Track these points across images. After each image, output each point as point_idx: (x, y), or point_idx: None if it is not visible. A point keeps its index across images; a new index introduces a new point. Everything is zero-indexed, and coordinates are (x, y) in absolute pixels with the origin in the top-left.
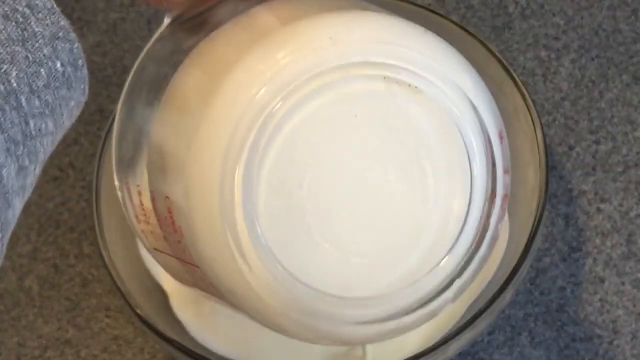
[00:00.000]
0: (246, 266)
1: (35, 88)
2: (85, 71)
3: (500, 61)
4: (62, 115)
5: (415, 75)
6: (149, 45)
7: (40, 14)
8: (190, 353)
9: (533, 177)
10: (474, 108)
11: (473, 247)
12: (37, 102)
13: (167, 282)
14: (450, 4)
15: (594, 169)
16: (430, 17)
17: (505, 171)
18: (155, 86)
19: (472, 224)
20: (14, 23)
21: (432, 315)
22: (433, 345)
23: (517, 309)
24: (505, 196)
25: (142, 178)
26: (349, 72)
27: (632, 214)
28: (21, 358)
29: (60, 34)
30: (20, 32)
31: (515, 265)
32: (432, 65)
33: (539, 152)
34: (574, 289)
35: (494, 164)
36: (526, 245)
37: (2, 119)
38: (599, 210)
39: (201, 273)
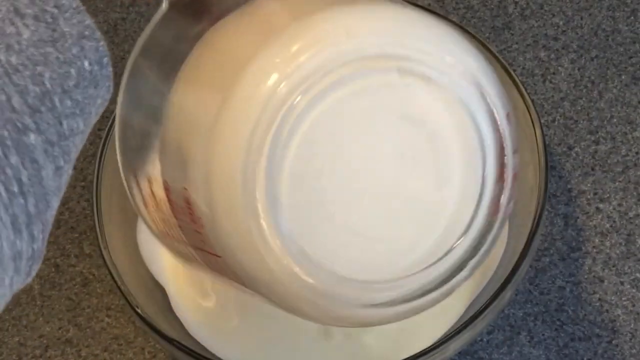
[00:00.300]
0: (270, 255)
1: (67, 88)
2: (110, 69)
3: (499, 61)
4: (91, 113)
5: (428, 65)
6: (149, 29)
7: (67, 14)
8: (191, 353)
9: (532, 177)
10: (483, 93)
11: (485, 228)
12: (69, 102)
13: (168, 281)
14: (450, 5)
15: (593, 169)
16: None
17: (515, 151)
18: (163, 75)
19: (485, 206)
20: (44, 24)
21: (448, 293)
22: (433, 345)
23: (516, 308)
24: (514, 176)
25: (153, 167)
26: (365, 65)
27: (631, 214)
28: (22, 357)
29: (87, 33)
30: (50, 33)
31: (515, 264)
32: (443, 55)
33: (538, 152)
34: (573, 288)
35: (503, 146)
36: (525, 244)
37: (39, 120)
38: (598, 210)
39: (223, 262)
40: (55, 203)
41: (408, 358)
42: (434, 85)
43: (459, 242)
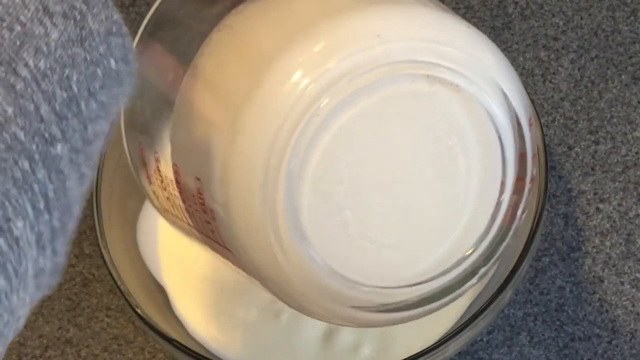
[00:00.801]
0: (284, 256)
1: (93, 90)
2: (135, 65)
3: None
4: (114, 113)
5: (457, 73)
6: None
7: (96, 9)
8: (190, 353)
9: None
10: (508, 101)
11: (500, 237)
12: (94, 105)
13: (168, 281)
14: (450, 5)
15: (593, 169)
16: None
17: (534, 156)
18: (179, 54)
19: (501, 215)
20: (72, 22)
21: (456, 298)
22: (433, 345)
23: (516, 308)
24: (532, 180)
25: (162, 146)
26: (394, 71)
27: (631, 214)
28: (22, 357)
29: (114, 29)
30: (78, 32)
31: (515, 265)
32: (472, 62)
33: (538, 152)
34: (573, 288)
35: (524, 154)
36: (525, 244)
37: (66, 128)
38: (598, 210)
39: (231, 255)
40: (78, 211)
41: (408, 358)
42: (460, 93)
43: (472, 251)
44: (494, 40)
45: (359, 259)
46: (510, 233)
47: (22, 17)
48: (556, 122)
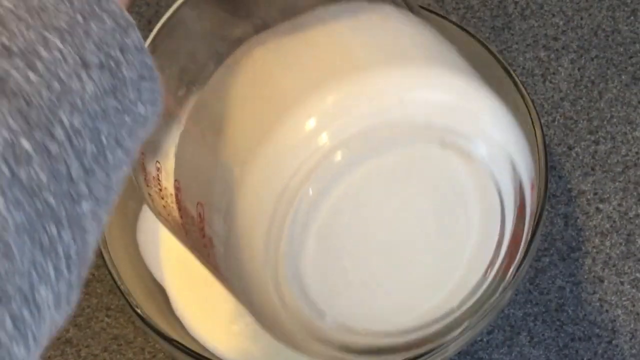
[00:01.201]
0: (279, 300)
1: (120, 139)
2: (161, 106)
3: (499, 61)
4: (135, 153)
5: (469, 139)
6: (179, 2)
7: (130, 55)
8: (191, 353)
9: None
10: (516, 170)
11: (490, 292)
12: (119, 153)
13: (168, 282)
14: (450, 4)
15: (593, 169)
16: (429, 18)
17: (531, 215)
18: (194, 69)
19: (493, 273)
20: (108, 72)
21: (442, 343)
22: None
23: (516, 308)
24: (526, 241)
25: (164, 157)
26: (411, 135)
27: (631, 214)
28: None
29: (145, 73)
30: (112, 81)
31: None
32: (487, 132)
33: (538, 152)
34: (573, 288)
35: (523, 214)
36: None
37: (92, 182)
38: (598, 210)
39: (226, 282)
40: (93, 255)
41: (408, 358)
42: (470, 159)
43: (461, 304)
44: (493, 40)
45: (354, 305)
46: (500, 290)
47: (61, 73)
48: (556, 122)
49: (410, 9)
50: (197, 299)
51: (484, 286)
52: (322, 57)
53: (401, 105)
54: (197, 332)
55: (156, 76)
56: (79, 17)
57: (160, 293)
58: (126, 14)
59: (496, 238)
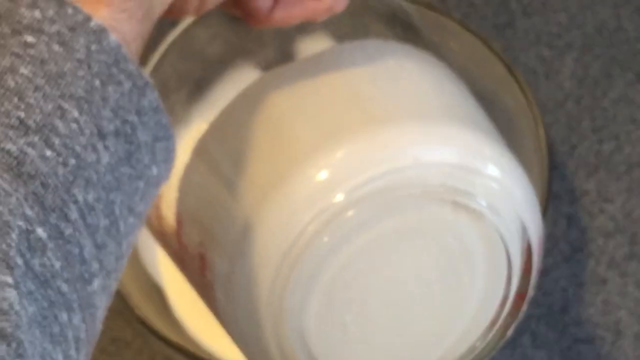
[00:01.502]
0: (281, 354)
1: (133, 206)
2: (175, 161)
3: (502, 60)
4: (146, 213)
5: (481, 201)
6: (185, 25)
7: (146, 117)
8: (190, 354)
9: (535, 177)
10: (525, 232)
11: (487, 350)
12: (131, 220)
13: (166, 283)
14: (452, 2)
15: (596, 168)
16: (431, 16)
17: (537, 271)
18: (200, 92)
19: (494, 331)
20: (123, 139)
21: None
22: None
23: None
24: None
25: (167, 188)
26: (425, 195)
27: (635, 214)
28: None
29: (161, 134)
30: (127, 148)
31: None
32: (499, 193)
33: (541, 152)
34: (576, 289)
35: (529, 272)
36: None
37: (103, 257)
38: (601, 210)
39: (222, 323)
40: (100, 325)
41: None
42: (480, 221)
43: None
44: (496, 38)
45: (352, 358)
46: (498, 347)
47: (77, 147)
48: (559, 121)
49: (427, 45)
50: (195, 300)
51: (484, 343)
52: (337, 105)
53: (416, 165)
54: (196, 334)
55: (171, 134)
56: (97, 82)
57: (158, 295)
58: (143, 73)
59: (500, 297)
